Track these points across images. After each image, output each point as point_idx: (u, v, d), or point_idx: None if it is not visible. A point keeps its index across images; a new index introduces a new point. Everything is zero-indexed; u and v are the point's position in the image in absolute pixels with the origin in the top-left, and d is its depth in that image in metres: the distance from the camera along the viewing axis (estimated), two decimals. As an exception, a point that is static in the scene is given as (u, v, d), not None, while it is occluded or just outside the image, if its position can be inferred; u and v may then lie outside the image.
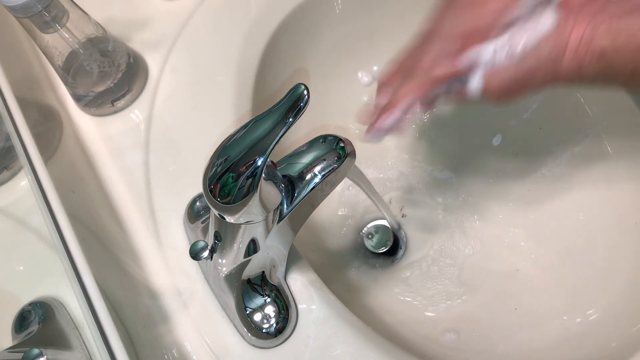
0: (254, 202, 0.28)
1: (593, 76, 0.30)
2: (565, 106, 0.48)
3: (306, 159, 0.33)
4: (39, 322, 0.36)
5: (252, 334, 0.37)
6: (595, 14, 0.29)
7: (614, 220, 0.45)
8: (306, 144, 0.34)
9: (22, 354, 0.31)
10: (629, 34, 0.28)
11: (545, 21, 0.30)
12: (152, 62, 0.50)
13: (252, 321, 0.36)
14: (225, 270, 0.36)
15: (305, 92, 0.27)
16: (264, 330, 0.36)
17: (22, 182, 0.42)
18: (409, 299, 0.49)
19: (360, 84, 0.58)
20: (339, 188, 0.36)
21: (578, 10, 0.30)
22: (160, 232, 0.42)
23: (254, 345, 0.37)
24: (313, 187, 0.33)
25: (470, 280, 0.49)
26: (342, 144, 0.33)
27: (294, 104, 0.27)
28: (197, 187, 0.42)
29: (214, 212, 0.29)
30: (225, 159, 0.27)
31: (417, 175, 0.56)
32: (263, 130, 0.27)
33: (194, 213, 0.41)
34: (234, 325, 0.38)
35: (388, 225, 0.53)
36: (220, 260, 0.36)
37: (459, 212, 0.52)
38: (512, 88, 0.32)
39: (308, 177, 0.33)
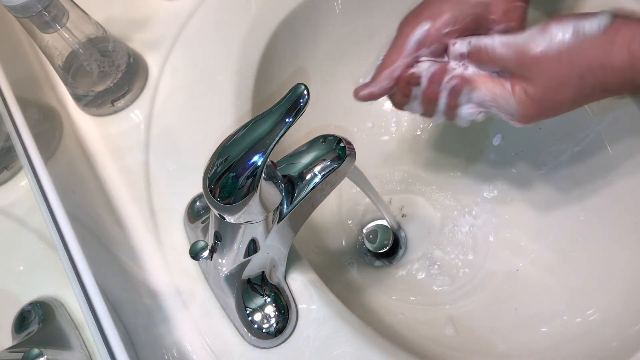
0: (254, 202, 0.28)
1: None
2: (565, 106, 0.48)
3: (306, 159, 0.33)
4: (39, 322, 0.36)
5: (252, 334, 0.37)
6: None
7: (614, 220, 0.45)
8: (306, 144, 0.34)
9: (22, 354, 0.31)
10: None
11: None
12: (152, 62, 0.49)
13: (252, 321, 0.36)
14: (225, 270, 0.36)
15: (305, 92, 0.27)
16: (264, 330, 0.36)
17: (22, 182, 0.42)
18: (409, 299, 0.49)
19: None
20: (339, 188, 0.36)
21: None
22: (160, 232, 0.42)
23: (254, 345, 0.37)
24: (313, 187, 0.33)
25: (470, 280, 0.49)
26: (342, 144, 0.33)
27: (294, 104, 0.27)
28: (197, 187, 0.42)
29: (214, 212, 0.29)
30: (225, 159, 0.27)
31: (416, 176, 0.56)
32: (263, 130, 0.27)
33: (194, 213, 0.41)
34: (234, 325, 0.38)
35: (388, 225, 0.53)
36: (220, 260, 0.36)
37: (459, 212, 0.52)
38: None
39: (308, 177, 0.33)
